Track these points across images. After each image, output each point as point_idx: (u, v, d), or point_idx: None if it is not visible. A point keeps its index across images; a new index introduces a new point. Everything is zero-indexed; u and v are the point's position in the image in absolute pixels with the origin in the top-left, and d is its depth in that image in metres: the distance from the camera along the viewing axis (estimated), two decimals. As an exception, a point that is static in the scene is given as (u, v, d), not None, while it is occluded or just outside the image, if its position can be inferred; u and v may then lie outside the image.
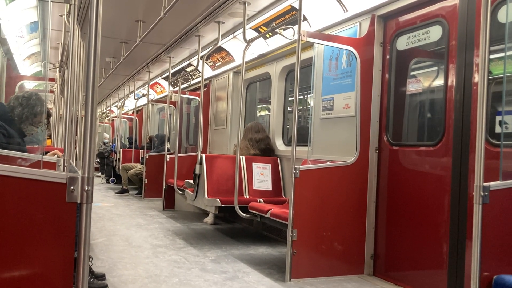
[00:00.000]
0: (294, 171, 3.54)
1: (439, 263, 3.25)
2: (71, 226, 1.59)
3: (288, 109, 5.89)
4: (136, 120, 12.16)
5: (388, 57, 3.87)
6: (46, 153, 3.76)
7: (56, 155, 3.46)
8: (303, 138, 5.03)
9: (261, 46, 5.62)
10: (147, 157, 8.36)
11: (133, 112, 12.47)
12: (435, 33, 3.51)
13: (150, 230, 5.51)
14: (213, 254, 4.41)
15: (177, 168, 6.56)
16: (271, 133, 5.81)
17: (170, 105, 8.32)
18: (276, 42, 5.33)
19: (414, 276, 3.52)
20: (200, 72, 6.37)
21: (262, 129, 5.71)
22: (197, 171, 5.21)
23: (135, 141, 10.88)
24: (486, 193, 2.17)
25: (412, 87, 3.74)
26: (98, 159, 12.19)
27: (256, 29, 5.19)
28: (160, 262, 4.02)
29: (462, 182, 3.10)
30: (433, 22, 3.49)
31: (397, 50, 3.84)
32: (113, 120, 15.45)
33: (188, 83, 8.49)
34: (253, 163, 5.32)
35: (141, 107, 12.54)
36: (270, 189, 5.31)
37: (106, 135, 14.58)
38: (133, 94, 10.42)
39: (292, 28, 4.05)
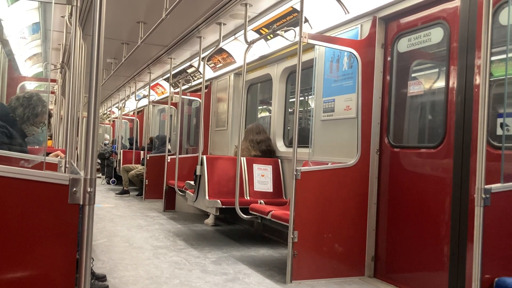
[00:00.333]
0: (295, 173, 3.54)
1: (440, 265, 3.25)
2: (73, 227, 1.59)
3: (289, 110, 5.89)
4: (137, 121, 12.18)
5: (389, 59, 3.88)
6: (48, 154, 3.77)
7: (58, 156, 3.46)
8: (304, 140, 5.03)
9: (262, 48, 5.62)
10: (148, 158, 8.37)
11: (134, 113, 12.49)
12: (436, 35, 3.51)
13: (151, 231, 5.51)
14: (214, 255, 4.41)
15: (177, 169, 6.56)
16: (272, 134, 5.81)
17: (171, 106, 8.33)
18: (277, 43, 5.34)
19: (415, 278, 3.52)
20: (201, 74, 6.37)
21: (263, 131, 5.71)
22: (198, 172, 5.21)
23: (136, 142, 10.89)
24: (488, 196, 2.17)
25: (413, 89, 3.74)
26: (98, 160, 12.19)
27: (257, 31, 5.20)
28: (161, 263, 4.03)
29: (463, 184, 3.10)
30: (434, 24, 3.49)
31: (398, 52, 3.84)
32: (114, 121, 15.47)
33: (189, 84, 8.50)
34: (254, 165, 5.32)
35: (142, 108, 12.55)
36: (271, 190, 5.31)
37: (107, 136, 14.59)
38: (134, 95, 10.43)
39: (293, 29, 4.05)
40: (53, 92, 7.38)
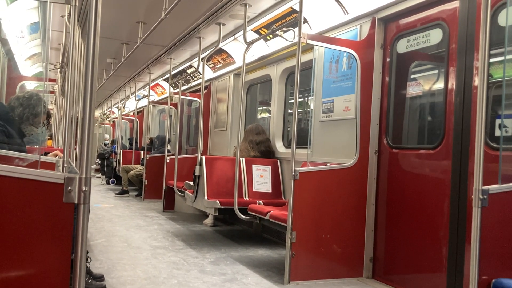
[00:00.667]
0: (293, 173, 3.54)
1: (438, 266, 3.25)
2: (68, 226, 1.59)
3: (289, 111, 5.89)
4: (137, 122, 12.17)
5: (388, 60, 3.87)
6: (47, 153, 3.77)
7: (56, 156, 3.46)
8: (303, 141, 5.03)
9: (262, 48, 5.62)
10: (147, 158, 8.37)
11: (133, 114, 12.49)
12: (435, 36, 3.51)
13: (150, 231, 5.50)
14: (212, 256, 4.41)
15: (177, 170, 6.55)
16: (271, 135, 5.81)
17: (171, 106, 8.33)
18: (276, 44, 5.34)
19: (413, 279, 3.52)
20: (200, 74, 6.37)
21: (262, 131, 5.71)
22: (197, 173, 5.21)
23: (136, 142, 10.89)
24: (485, 197, 2.17)
25: (412, 90, 3.74)
26: (98, 160, 12.20)
27: (256, 31, 5.20)
28: (159, 263, 4.02)
29: (461, 185, 3.10)
30: (433, 25, 3.49)
31: (397, 53, 3.84)
32: (113, 121, 15.47)
33: (189, 84, 8.50)
34: (253, 165, 5.32)
35: (142, 109, 12.55)
36: (270, 191, 5.31)
37: (107, 136, 14.59)
38: (133, 95, 10.43)
39: (293, 30, 4.05)
40: (52, 92, 7.39)
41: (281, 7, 4.53)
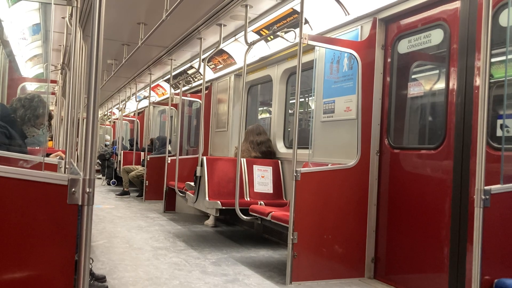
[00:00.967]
0: (295, 174, 3.54)
1: (440, 266, 3.25)
2: (72, 228, 1.59)
3: (289, 111, 5.89)
4: (138, 122, 12.18)
5: (389, 60, 3.88)
6: (48, 155, 3.77)
7: (58, 157, 3.47)
8: (304, 141, 5.03)
9: (263, 49, 5.63)
10: (148, 159, 8.37)
11: (134, 114, 12.49)
12: (436, 36, 3.51)
13: (151, 232, 5.51)
14: (214, 256, 4.41)
15: (178, 170, 6.56)
16: (272, 135, 5.81)
17: (172, 107, 8.33)
18: (277, 45, 5.34)
19: (415, 279, 3.52)
20: (201, 75, 6.37)
21: (263, 132, 5.71)
22: (198, 173, 5.21)
23: (136, 143, 10.89)
24: (487, 197, 2.17)
25: (413, 90, 3.74)
26: (99, 161, 12.19)
27: (257, 32, 5.20)
28: (160, 264, 4.02)
29: (463, 185, 3.10)
30: (434, 26, 3.49)
31: (398, 53, 3.84)
32: (114, 122, 15.47)
33: (190, 85, 8.50)
34: (254, 166, 5.32)
35: (143, 109, 12.56)
36: (271, 191, 5.31)
37: (108, 137, 14.59)
38: (134, 96, 10.44)
39: (294, 31, 4.05)
40: (53, 93, 7.39)
41: (282, 8, 4.53)
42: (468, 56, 3.14)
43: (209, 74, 7.28)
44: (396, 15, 3.75)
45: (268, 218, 4.11)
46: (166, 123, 10.62)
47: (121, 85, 10.55)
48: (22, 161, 3.03)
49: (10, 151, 3.12)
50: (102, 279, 3.40)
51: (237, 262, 4.22)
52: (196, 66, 7.36)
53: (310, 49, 4.54)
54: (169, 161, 7.17)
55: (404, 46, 3.79)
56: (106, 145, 13.54)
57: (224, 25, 5.19)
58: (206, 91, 7.28)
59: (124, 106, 12.40)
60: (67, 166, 3.02)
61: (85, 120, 1.59)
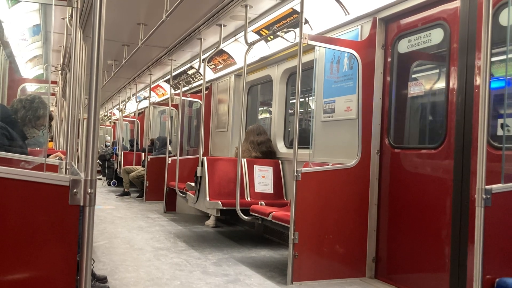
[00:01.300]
0: (295, 174, 3.54)
1: (441, 266, 3.25)
2: (74, 228, 1.60)
3: (290, 111, 5.89)
4: (138, 123, 12.18)
5: (389, 60, 3.88)
6: (48, 155, 3.78)
7: (58, 158, 3.47)
8: (304, 141, 5.03)
9: (263, 49, 5.63)
10: (149, 159, 8.37)
11: (134, 115, 12.49)
12: (436, 36, 3.51)
13: (152, 232, 5.51)
14: (215, 257, 4.41)
15: (178, 171, 6.56)
16: (273, 135, 5.81)
17: (172, 107, 8.34)
18: (277, 45, 5.34)
19: (416, 279, 3.52)
20: (201, 75, 6.38)
21: (263, 132, 5.71)
22: (198, 174, 5.21)
23: (137, 143, 10.88)
24: (488, 196, 2.17)
25: (414, 89, 3.74)
26: (99, 162, 12.19)
27: (257, 32, 5.20)
28: (161, 264, 4.02)
29: (464, 185, 3.10)
30: (434, 25, 3.49)
31: (398, 53, 3.84)
32: (114, 122, 15.47)
33: (190, 85, 8.50)
34: (254, 166, 5.32)
35: (143, 110, 12.56)
36: (272, 191, 5.31)
37: (108, 138, 14.59)
38: (134, 96, 10.44)
39: (294, 31, 4.06)
40: (53, 94, 7.39)
41: (281, 8, 4.53)
42: (468, 55, 3.14)
43: (209, 74, 7.28)
44: (396, 14, 3.75)
45: (269, 218, 4.11)
46: (166, 124, 10.62)
47: (121, 85, 10.55)
48: (23, 162, 3.03)
49: (10, 152, 3.12)
50: (104, 280, 3.40)
51: (238, 262, 4.22)
52: (196, 66, 7.36)
53: (310, 49, 4.54)
54: (169, 162, 7.17)
55: (404, 46, 3.79)
56: (106, 146, 13.54)
57: (224, 25, 5.19)
58: (206, 92, 7.27)
59: (124, 107, 12.41)
60: (67, 167, 3.02)
61: (85, 121, 1.59)
